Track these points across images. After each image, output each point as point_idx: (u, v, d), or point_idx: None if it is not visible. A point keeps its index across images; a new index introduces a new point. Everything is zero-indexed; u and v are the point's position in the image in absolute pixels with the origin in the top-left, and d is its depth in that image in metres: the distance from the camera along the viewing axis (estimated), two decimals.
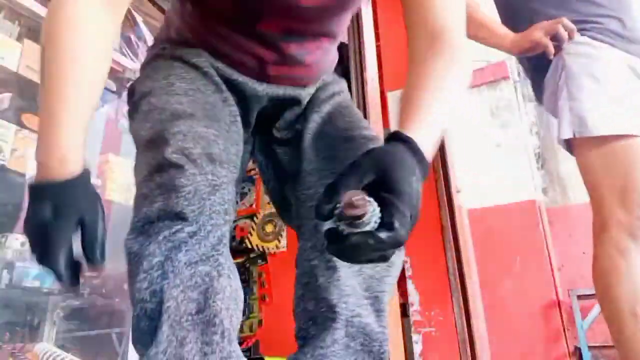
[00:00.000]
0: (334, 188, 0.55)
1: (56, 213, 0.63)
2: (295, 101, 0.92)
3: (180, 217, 0.63)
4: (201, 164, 0.67)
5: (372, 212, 0.52)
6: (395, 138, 0.63)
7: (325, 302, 0.74)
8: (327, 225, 0.58)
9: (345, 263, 0.71)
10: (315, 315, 0.75)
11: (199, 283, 0.61)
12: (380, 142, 0.78)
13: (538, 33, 1.36)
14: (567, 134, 1.32)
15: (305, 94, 0.92)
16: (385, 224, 0.53)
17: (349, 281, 0.74)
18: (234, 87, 0.85)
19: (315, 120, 0.88)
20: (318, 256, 0.77)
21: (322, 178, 0.82)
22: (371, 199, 0.53)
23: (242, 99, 0.87)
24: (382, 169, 0.57)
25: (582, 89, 1.30)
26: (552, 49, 1.35)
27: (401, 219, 0.53)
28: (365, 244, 0.52)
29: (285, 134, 0.94)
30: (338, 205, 0.53)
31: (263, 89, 0.88)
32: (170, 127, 0.70)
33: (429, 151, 0.63)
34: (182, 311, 0.59)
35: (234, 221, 3.95)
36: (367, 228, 0.52)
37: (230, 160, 0.76)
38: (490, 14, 1.59)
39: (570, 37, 1.34)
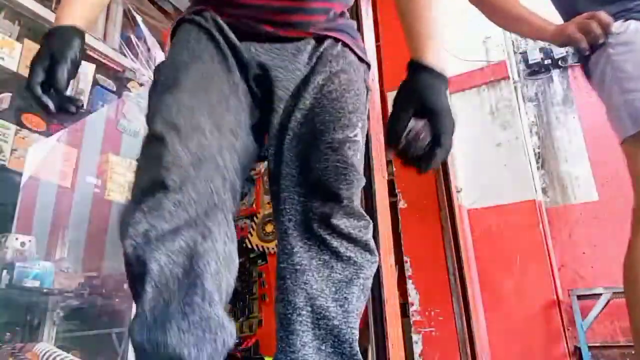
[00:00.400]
0: (395, 133, 0.75)
1: (38, 51, 0.81)
2: (281, 72, 0.87)
3: (163, 186, 0.67)
4: (183, 133, 0.70)
5: (427, 134, 0.75)
6: (419, 68, 0.79)
7: (291, 304, 0.76)
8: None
9: (313, 267, 0.78)
10: (282, 317, 0.77)
11: (184, 247, 0.65)
12: (349, 145, 0.83)
13: (571, 29, 1.30)
14: (630, 131, 1.22)
15: (294, 67, 0.87)
16: (436, 139, 0.74)
17: (316, 284, 0.76)
18: (236, 54, 0.87)
19: (296, 119, 0.85)
20: (286, 259, 0.79)
21: (295, 185, 0.83)
22: (425, 124, 0.75)
23: (242, 66, 0.87)
24: (419, 102, 0.76)
25: (631, 79, 1.22)
26: (584, 45, 1.28)
27: (445, 133, 0.74)
28: (430, 160, 0.74)
29: (276, 124, 0.89)
30: (402, 138, 0.75)
31: (252, 55, 0.87)
32: (158, 102, 0.76)
33: (443, 65, 0.79)
34: (168, 275, 0.64)
35: (234, 221, 3.92)
36: (425, 143, 0.75)
37: (224, 126, 0.77)
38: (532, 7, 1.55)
39: (606, 32, 1.26)
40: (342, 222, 0.80)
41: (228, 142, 0.76)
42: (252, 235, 3.63)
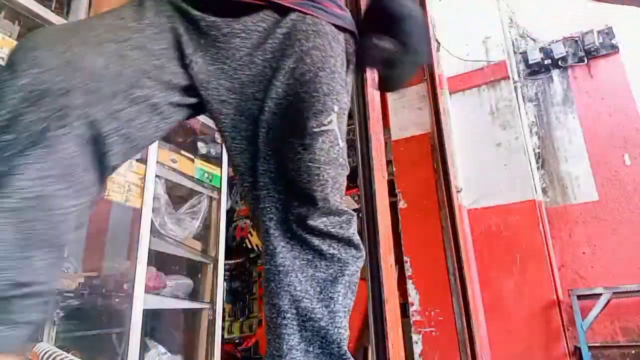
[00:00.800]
0: (367, 57, 0.78)
1: None
2: (228, 63, 0.80)
3: None
4: (17, 68, 0.66)
5: (395, 45, 0.77)
6: None
7: (276, 308, 0.74)
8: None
9: (297, 267, 0.75)
10: (268, 321, 0.75)
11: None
12: (322, 139, 0.76)
13: None
14: None
15: (243, 53, 0.80)
16: (403, 45, 0.75)
17: (300, 286, 0.74)
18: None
19: (270, 110, 0.78)
20: (269, 260, 0.76)
21: (274, 183, 0.78)
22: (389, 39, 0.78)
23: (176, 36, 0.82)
24: (381, 15, 0.76)
25: None
26: None
27: (412, 36, 0.75)
28: (404, 70, 0.78)
29: (237, 115, 0.82)
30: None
31: (197, 46, 0.81)
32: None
33: None
34: None
35: (234, 221, 3.88)
36: (398, 54, 0.77)
37: (80, 60, 0.69)
38: None
39: None
40: (320, 222, 0.77)
41: (81, 80, 0.67)
42: (252, 235, 3.63)
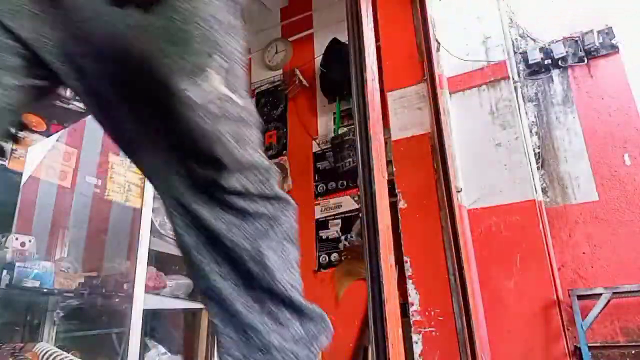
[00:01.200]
0: None
1: None
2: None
3: None
4: None
5: None
6: None
7: (211, 279, 0.69)
8: None
9: (224, 231, 0.68)
10: (207, 296, 0.70)
11: None
12: (210, 102, 0.63)
13: None
14: None
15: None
16: None
17: (232, 251, 0.68)
18: None
19: (134, 71, 0.65)
20: (188, 235, 0.70)
21: (168, 148, 0.69)
22: None
23: None
24: None
25: None
26: None
27: None
28: None
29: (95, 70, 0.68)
30: None
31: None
32: None
33: None
34: None
35: None
36: None
37: None
38: None
39: None
40: (235, 181, 0.67)
41: None
42: None
